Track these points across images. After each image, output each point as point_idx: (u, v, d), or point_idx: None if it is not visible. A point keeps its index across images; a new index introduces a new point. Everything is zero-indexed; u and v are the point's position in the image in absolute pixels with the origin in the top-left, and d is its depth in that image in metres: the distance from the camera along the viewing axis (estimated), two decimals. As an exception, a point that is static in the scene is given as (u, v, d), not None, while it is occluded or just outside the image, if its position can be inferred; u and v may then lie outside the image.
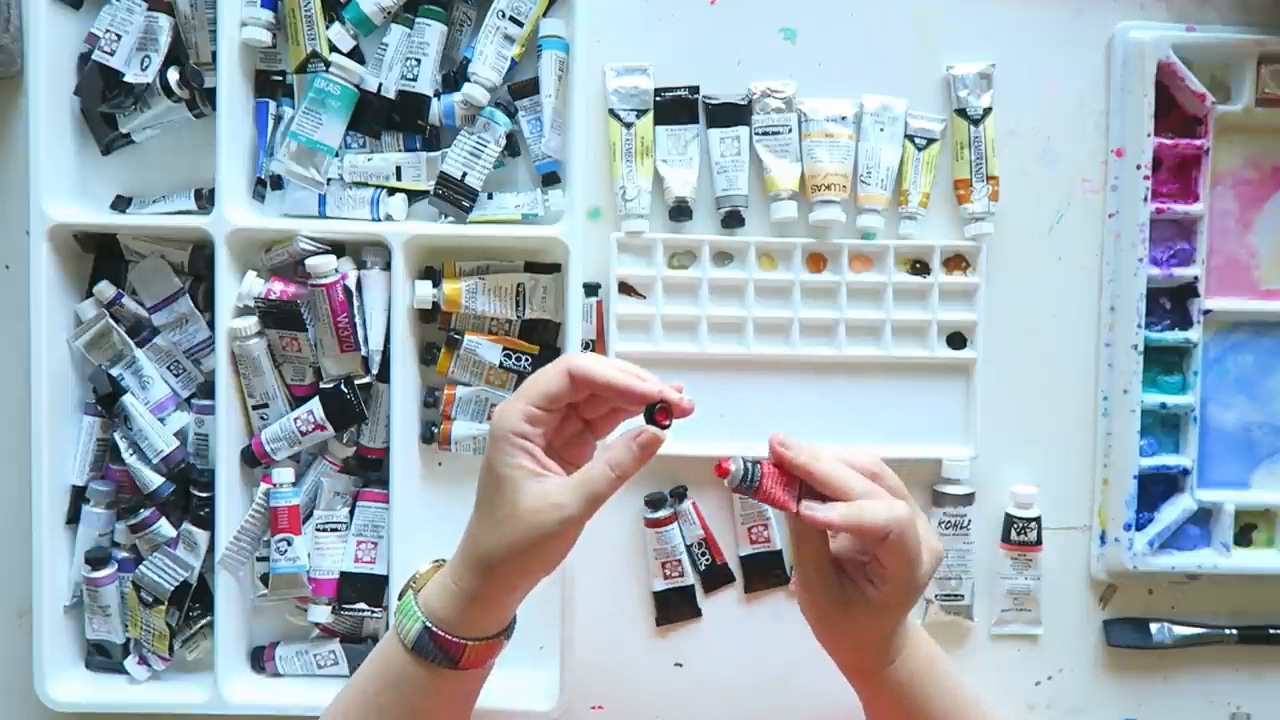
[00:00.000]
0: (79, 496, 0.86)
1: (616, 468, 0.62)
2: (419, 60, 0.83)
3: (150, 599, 0.85)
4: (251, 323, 0.83)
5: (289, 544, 0.84)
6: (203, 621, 0.87)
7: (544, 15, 0.84)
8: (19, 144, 0.85)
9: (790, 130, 0.86)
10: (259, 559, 0.86)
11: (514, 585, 0.64)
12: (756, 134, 0.87)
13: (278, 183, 0.85)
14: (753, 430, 0.86)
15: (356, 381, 0.84)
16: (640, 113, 0.86)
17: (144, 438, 0.84)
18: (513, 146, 0.86)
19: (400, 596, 0.66)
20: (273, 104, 0.85)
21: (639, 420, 0.64)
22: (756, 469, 0.64)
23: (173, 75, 0.83)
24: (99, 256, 0.87)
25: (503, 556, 0.62)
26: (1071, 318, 0.89)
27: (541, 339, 0.87)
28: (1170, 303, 0.89)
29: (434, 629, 0.63)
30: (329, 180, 0.85)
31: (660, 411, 0.62)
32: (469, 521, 0.64)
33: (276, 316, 0.84)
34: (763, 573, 0.88)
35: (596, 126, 0.86)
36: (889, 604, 0.65)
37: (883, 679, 0.68)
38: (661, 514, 0.87)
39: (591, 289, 0.86)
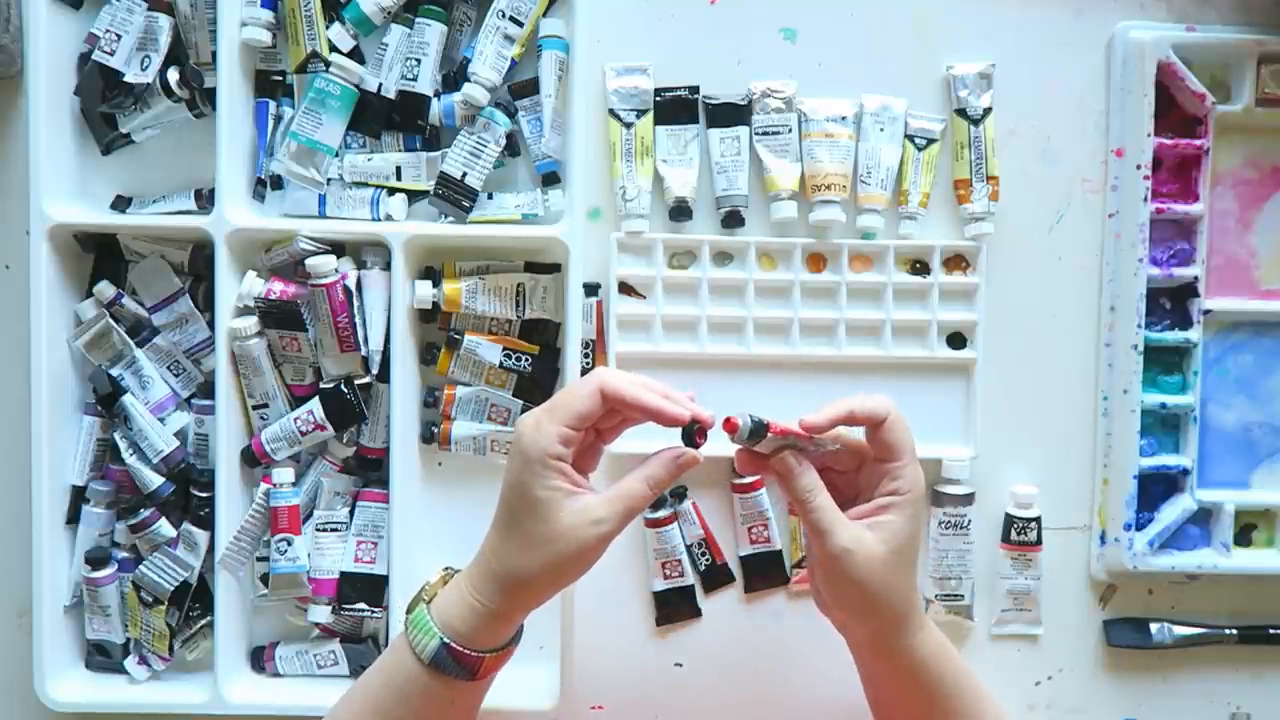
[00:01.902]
0: (79, 496, 0.86)
1: (655, 486, 0.64)
2: (419, 60, 0.83)
3: (150, 599, 0.85)
4: (251, 323, 0.83)
5: (289, 544, 0.84)
6: (203, 621, 0.87)
7: (544, 15, 0.84)
8: (19, 144, 0.85)
9: (790, 130, 0.86)
10: (259, 559, 0.86)
11: (541, 600, 0.65)
12: (756, 134, 0.87)
13: (278, 183, 0.85)
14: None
15: (356, 381, 0.84)
16: (640, 113, 0.86)
17: (144, 438, 0.84)
18: (513, 146, 0.86)
19: (412, 609, 0.65)
20: (273, 104, 0.85)
21: (646, 427, 0.66)
22: (762, 419, 0.65)
23: (173, 75, 0.83)
24: (99, 256, 0.87)
25: (536, 575, 0.63)
26: (1071, 318, 0.89)
27: (541, 339, 0.87)
28: (1170, 303, 0.89)
29: (453, 645, 0.63)
30: (329, 180, 0.85)
31: (699, 434, 0.64)
32: (490, 540, 0.64)
33: (276, 316, 0.84)
34: (763, 573, 0.88)
35: (596, 126, 0.86)
36: (907, 503, 0.66)
37: (901, 653, 0.67)
38: (661, 514, 0.87)
39: (591, 289, 0.86)
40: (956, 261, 0.88)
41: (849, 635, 0.71)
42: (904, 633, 0.67)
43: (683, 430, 0.64)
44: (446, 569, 0.68)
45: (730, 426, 0.64)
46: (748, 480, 0.87)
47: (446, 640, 0.63)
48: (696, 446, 0.65)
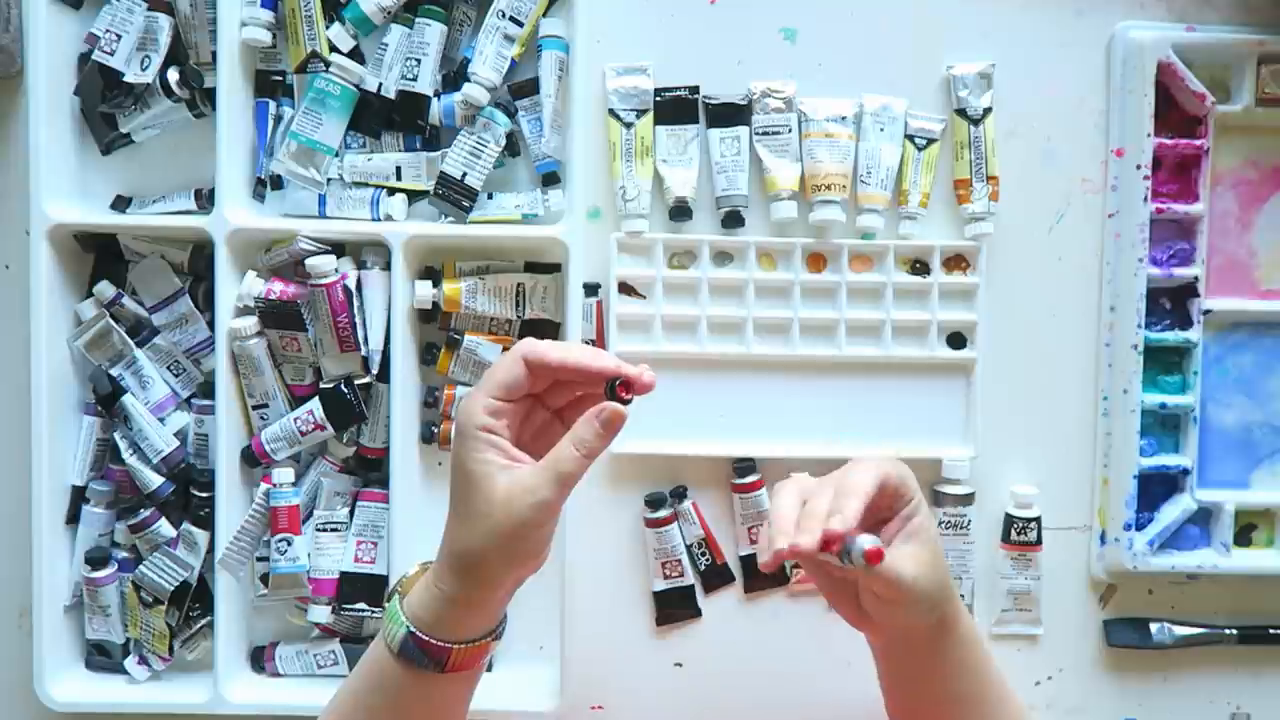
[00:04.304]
0: (79, 496, 0.86)
1: (581, 446, 0.61)
2: (419, 60, 0.83)
3: (150, 599, 0.85)
4: (251, 323, 0.83)
5: (289, 544, 0.84)
6: (203, 621, 0.87)
7: (544, 15, 0.84)
8: (19, 144, 0.85)
9: (790, 130, 0.86)
10: (259, 559, 0.86)
11: (495, 582, 0.62)
12: (756, 134, 0.87)
13: (278, 183, 0.85)
14: (753, 430, 0.87)
15: (356, 381, 0.84)
16: (640, 113, 0.86)
17: (144, 438, 0.84)
18: (513, 146, 0.86)
19: (387, 600, 0.66)
20: (273, 104, 0.85)
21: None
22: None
23: (173, 75, 0.83)
24: (99, 256, 0.87)
25: (480, 552, 0.61)
26: (1071, 318, 0.89)
27: (541, 339, 0.86)
28: (1170, 303, 0.89)
29: (418, 634, 0.62)
30: (329, 180, 0.85)
31: (621, 386, 0.61)
32: (445, 526, 0.64)
33: (276, 316, 0.84)
34: (762, 573, 0.88)
35: (596, 126, 0.86)
36: (920, 500, 0.65)
37: (959, 637, 0.66)
38: (661, 514, 0.87)
39: (591, 289, 0.86)
40: (956, 261, 0.88)
41: (893, 641, 0.69)
42: (955, 608, 0.67)
43: (606, 385, 0.61)
44: (424, 563, 0.68)
45: (878, 556, 0.60)
46: (748, 480, 0.87)
47: (412, 629, 0.62)
48: (624, 402, 0.61)
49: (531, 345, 0.63)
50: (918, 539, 0.65)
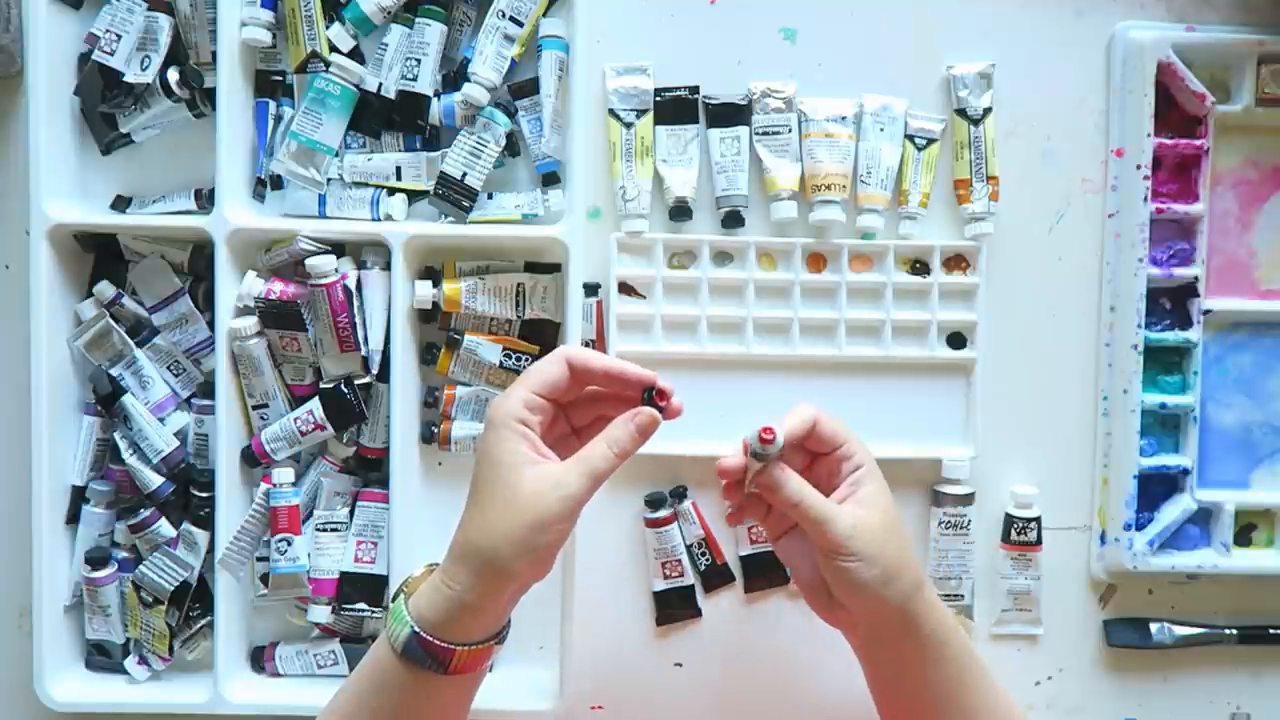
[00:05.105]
0: (79, 496, 0.86)
1: (615, 445, 0.64)
2: (419, 60, 0.83)
3: (150, 599, 0.85)
4: (251, 323, 0.83)
5: (289, 544, 0.84)
6: (203, 621, 0.87)
7: (544, 15, 0.84)
8: (19, 144, 0.85)
9: (790, 130, 0.86)
10: (259, 559, 0.86)
11: (507, 578, 0.62)
12: (756, 134, 0.87)
13: (278, 183, 0.85)
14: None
15: (356, 381, 0.84)
16: (640, 113, 0.86)
17: (144, 438, 0.84)
18: (513, 146, 0.86)
19: (392, 600, 0.66)
20: (273, 104, 0.85)
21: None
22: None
23: (173, 75, 0.83)
24: (99, 256, 0.87)
25: (499, 543, 0.61)
26: (1071, 318, 0.89)
27: (541, 339, 0.87)
28: (1170, 303, 0.89)
29: (423, 634, 0.62)
30: (329, 180, 0.85)
31: (657, 395, 0.65)
32: (461, 519, 0.64)
33: (276, 316, 0.84)
34: (763, 573, 0.88)
35: (596, 126, 0.86)
36: (870, 473, 0.68)
37: (923, 622, 0.67)
38: (661, 514, 0.87)
39: (591, 289, 0.86)
40: (956, 261, 0.88)
41: (864, 628, 0.69)
42: (924, 597, 0.67)
43: (644, 392, 0.65)
44: (430, 565, 0.68)
45: (770, 434, 0.64)
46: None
47: (417, 630, 0.62)
48: (659, 409, 0.66)
49: (575, 348, 0.66)
50: (864, 504, 0.67)
